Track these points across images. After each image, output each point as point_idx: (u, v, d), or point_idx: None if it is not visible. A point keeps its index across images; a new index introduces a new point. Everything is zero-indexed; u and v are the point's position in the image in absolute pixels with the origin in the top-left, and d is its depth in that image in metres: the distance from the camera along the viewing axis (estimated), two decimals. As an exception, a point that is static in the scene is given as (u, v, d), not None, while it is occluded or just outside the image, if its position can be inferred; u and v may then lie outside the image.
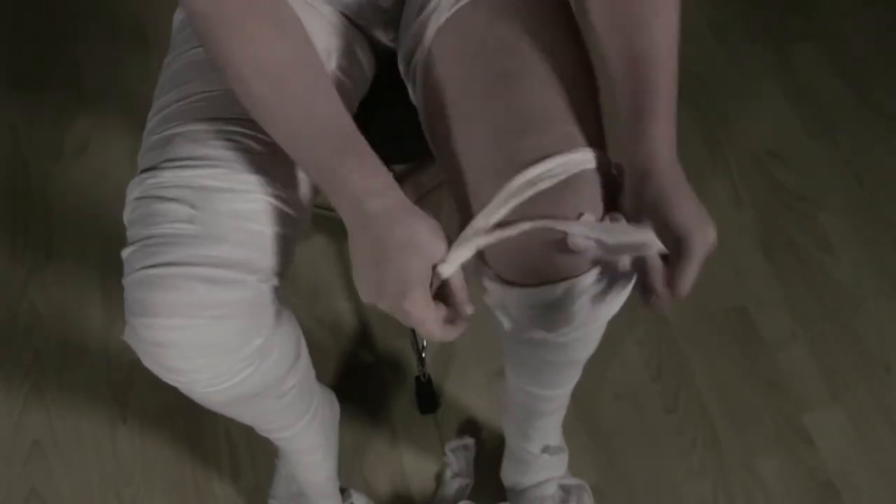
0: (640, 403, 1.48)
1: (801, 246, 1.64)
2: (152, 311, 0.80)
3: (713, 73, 1.87)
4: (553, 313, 0.83)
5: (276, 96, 0.76)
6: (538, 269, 0.81)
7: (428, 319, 0.76)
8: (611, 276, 0.81)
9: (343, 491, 1.35)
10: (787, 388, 1.49)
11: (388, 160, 0.86)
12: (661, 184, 0.78)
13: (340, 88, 0.96)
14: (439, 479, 1.41)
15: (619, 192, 0.82)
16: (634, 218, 0.78)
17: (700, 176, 1.72)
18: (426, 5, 0.94)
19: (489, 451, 1.42)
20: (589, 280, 0.80)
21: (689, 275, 0.74)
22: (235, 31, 0.75)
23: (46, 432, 1.46)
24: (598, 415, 1.47)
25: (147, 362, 0.85)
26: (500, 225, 0.80)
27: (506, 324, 0.91)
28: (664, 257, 0.78)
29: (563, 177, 0.79)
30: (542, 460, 1.29)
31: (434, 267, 0.77)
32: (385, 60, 1.06)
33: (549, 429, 1.25)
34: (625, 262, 0.81)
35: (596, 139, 0.85)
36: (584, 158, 0.81)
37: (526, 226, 0.78)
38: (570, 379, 1.09)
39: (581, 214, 0.79)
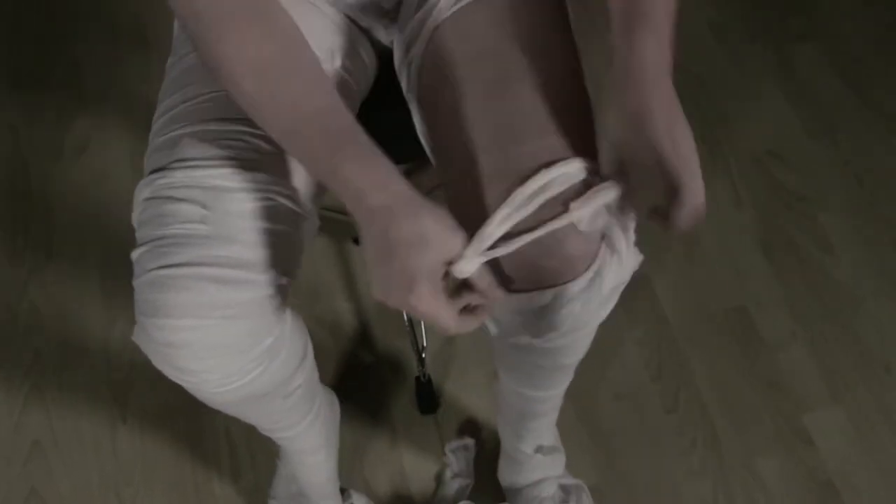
0: (640, 403, 1.48)
1: (801, 246, 1.64)
2: (164, 312, 0.80)
3: (713, 72, 1.87)
4: (540, 320, 0.83)
5: (268, 95, 0.76)
6: (526, 276, 0.81)
7: (438, 314, 0.74)
8: (599, 284, 0.81)
9: (343, 491, 1.35)
10: (787, 388, 1.49)
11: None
12: (646, 94, 0.74)
13: (344, 87, 0.97)
14: (439, 479, 1.41)
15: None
16: (616, 136, 0.77)
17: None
18: (424, 4, 0.94)
19: (489, 452, 1.42)
20: (577, 287, 0.80)
21: (685, 190, 0.75)
22: (224, 33, 0.74)
23: (46, 432, 1.46)
24: (598, 415, 1.47)
25: (157, 363, 0.85)
26: (510, 234, 0.78)
27: (492, 328, 0.91)
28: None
29: (564, 187, 0.79)
30: (536, 460, 1.29)
31: (449, 264, 0.75)
32: (386, 60, 1.06)
33: (542, 429, 1.26)
34: (612, 266, 0.81)
35: (588, 146, 0.85)
36: (580, 168, 0.81)
37: (539, 233, 0.77)
38: (562, 381, 1.09)
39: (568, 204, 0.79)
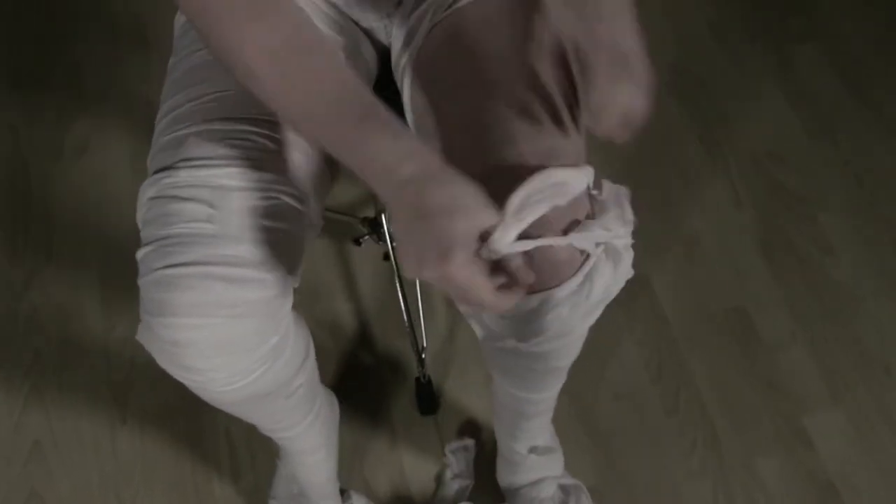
0: (639, 404, 1.48)
1: (801, 246, 1.64)
2: (170, 311, 0.80)
3: (713, 73, 1.87)
4: (526, 324, 0.83)
5: (287, 78, 0.74)
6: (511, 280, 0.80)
7: (476, 284, 0.70)
8: (589, 288, 0.81)
9: (343, 492, 1.35)
10: (786, 388, 1.49)
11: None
12: None
13: None
14: (439, 480, 1.41)
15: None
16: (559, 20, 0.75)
17: (700, 176, 1.72)
18: (420, 4, 0.94)
19: (489, 453, 1.42)
20: (565, 292, 0.80)
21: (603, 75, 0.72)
22: (234, 23, 0.74)
23: (46, 433, 1.46)
24: (597, 415, 1.47)
25: (163, 362, 0.85)
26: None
27: (478, 332, 0.91)
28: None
29: (569, 197, 0.79)
30: (531, 460, 1.30)
31: (482, 238, 0.71)
32: (385, 61, 1.07)
33: (536, 430, 1.26)
34: (604, 273, 0.81)
35: (579, 151, 0.85)
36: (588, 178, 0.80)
37: (544, 241, 0.76)
38: (555, 383, 1.09)
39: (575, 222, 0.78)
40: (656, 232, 1.64)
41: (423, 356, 1.45)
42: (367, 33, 1.04)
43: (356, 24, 1.03)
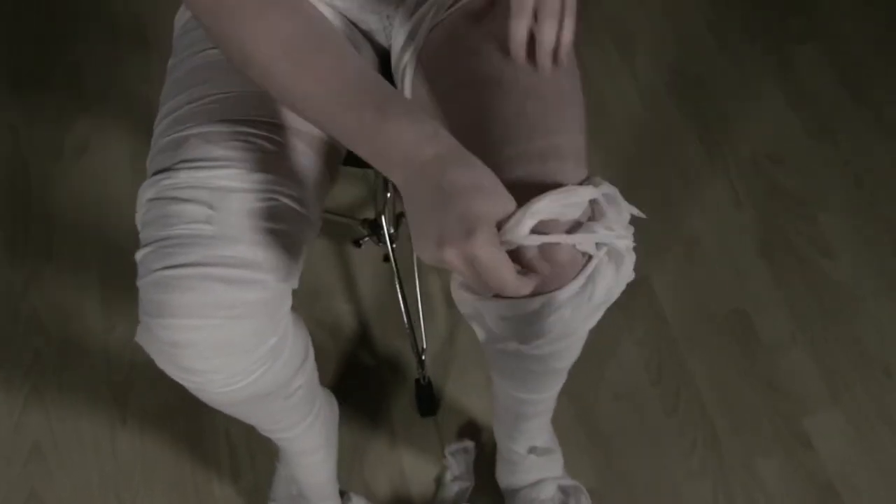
0: (639, 404, 1.48)
1: (801, 247, 1.64)
2: (169, 312, 0.80)
3: (712, 74, 1.87)
4: (527, 326, 0.83)
5: (304, 69, 0.73)
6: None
7: (500, 263, 0.68)
8: (591, 290, 0.81)
9: (343, 494, 1.35)
10: (786, 389, 1.49)
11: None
12: None
13: None
14: (439, 481, 1.41)
15: None
16: None
17: (699, 177, 1.72)
18: (421, 4, 0.94)
19: (489, 454, 1.42)
20: (567, 294, 0.80)
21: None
22: (245, 19, 0.73)
23: (46, 433, 1.46)
24: (597, 416, 1.47)
25: (161, 363, 0.85)
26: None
27: (480, 334, 0.91)
28: None
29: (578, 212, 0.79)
30: (530, 461, 1.30)
31: (499, 227, 0.71)
32: (385, 63, 1.07)
33: (535, 430, 1.26)
34: (606, 275, 0.81)
35: (579, 151, 0.85)
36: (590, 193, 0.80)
37: (551, 238, 0.76)
38: (554, 384, 1.09)
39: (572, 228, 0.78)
40: (656, 232, 1.64)
41: (423, 358, 1.45)
42: (367, 36, 1.04)
43: (356, 26, 1.03)
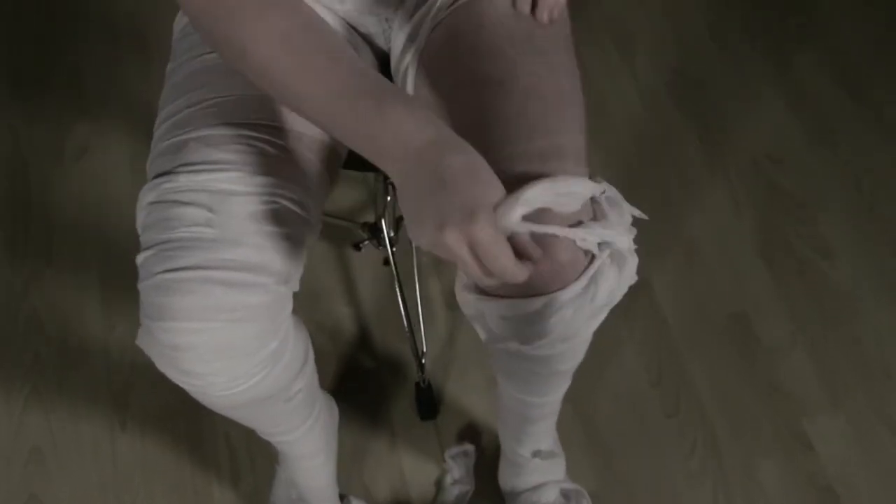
0: (639, 407, 1.48)
1: (801, 250, 1.64)
2: (170, 315, 0.80)
3: (712, 77, 1.87)
4: (529, 326, 0.83)
5: (303, 66, 0.73)
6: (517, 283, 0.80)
7: (501, 247, 0.69)
8: (594, 291, 0.81)
9: (342, 497, 1.35)
10: (786, 392, 1.49)
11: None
12: None
13: None
14: (439, 485, 1.41)
15: None
16: None
17: (699, 180, 1.72)
18: (420, 7, 0.94)
19: (489, 458, 1.42)
20: (569, 295, 0.80)
21: None
22: (246, 20, 0.73)
23: (46, 436, 1.46)
24: (597, 418, 1.47)
25: (162, 367, 0.85)
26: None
27: (481, 334, 0.91)
28: None
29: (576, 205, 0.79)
30: (535, 464, 1.30)
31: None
32: (385, 66, 1.07)
33: (540, 433, 1.26)
34: (609, 276, 0.81)
35: (579, 150, 0.85)
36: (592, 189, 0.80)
37: (550, 229, 0.76)
38: (559, 387, 1.09)
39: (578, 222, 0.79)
40: (656, 233, 1.64)
41: (423, 361, 1.45)
42: (366, 39, 1.04)
43: (355, 30, 1.03)
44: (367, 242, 1.54)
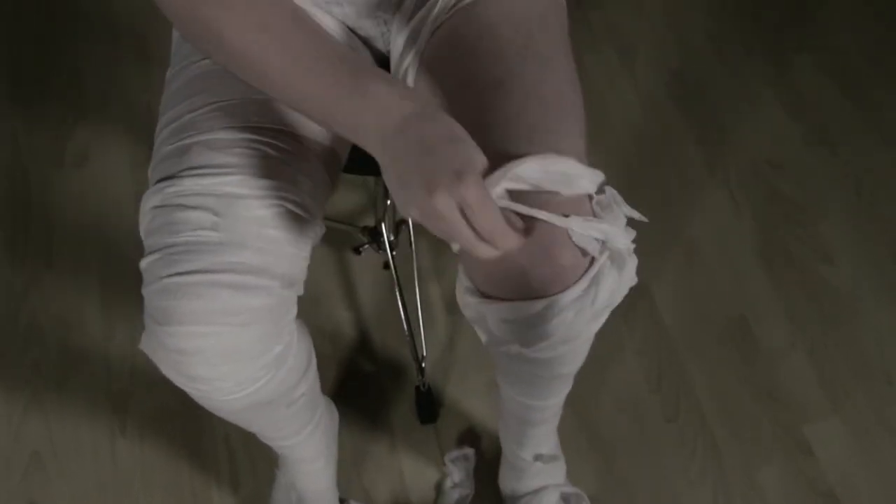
0: (639, 412, 1.48)
1: (801, 255, 1.64)
2: (176, 319, 0.80)
3: (712, 78, 1.87)
4: (530, 329, 0.83)
5: (282, 45, 0.74)
6: (517, 285, 0.81)
7: (490, 207, 0.70)
8: (595, 293, 0.81)
9: (342, 501, 1.35)
10: (787, 397, 1.49)
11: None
12: None
13: None
14: (439, 488, 1.41)
15: None
16: None
17: (698, 185, 1.72)
18: (420, 9, 0.94)
19: (489, 461, 1.42)
20: (568, 298, 0.80)
21: None
22: (232, 18, 0.74)
23: (45, 442, 1.45)
24: (598, 423, 1.47)
25: (167, 371, 0.85)
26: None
27: (482, 337, 0.92)
28: None
29: (577, 192, 0.80)
30: (536, 468, 1.30)
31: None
32: (383, 68, 1.07)
33: (542, 437, 1.26)
34: (609, 278, 0.81)
35: (579, 153, 0.85)
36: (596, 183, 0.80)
37: (536, 213, 0.77)
38: (561, 390, 1.09)
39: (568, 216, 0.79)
40: (656, 237, 1.64)
41: (423, 365, 1.45)
42: (366, 42, 1.04)
43: (354, 33, 1.03)
44: (367, 246, 1.54)
